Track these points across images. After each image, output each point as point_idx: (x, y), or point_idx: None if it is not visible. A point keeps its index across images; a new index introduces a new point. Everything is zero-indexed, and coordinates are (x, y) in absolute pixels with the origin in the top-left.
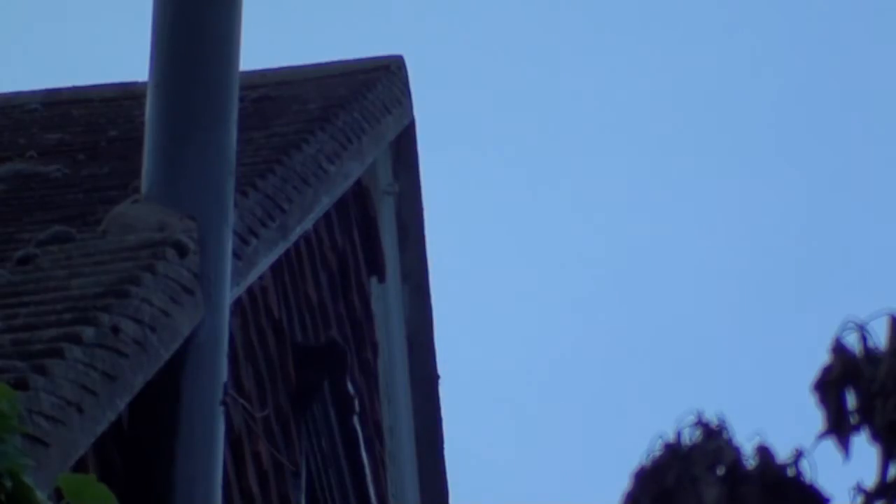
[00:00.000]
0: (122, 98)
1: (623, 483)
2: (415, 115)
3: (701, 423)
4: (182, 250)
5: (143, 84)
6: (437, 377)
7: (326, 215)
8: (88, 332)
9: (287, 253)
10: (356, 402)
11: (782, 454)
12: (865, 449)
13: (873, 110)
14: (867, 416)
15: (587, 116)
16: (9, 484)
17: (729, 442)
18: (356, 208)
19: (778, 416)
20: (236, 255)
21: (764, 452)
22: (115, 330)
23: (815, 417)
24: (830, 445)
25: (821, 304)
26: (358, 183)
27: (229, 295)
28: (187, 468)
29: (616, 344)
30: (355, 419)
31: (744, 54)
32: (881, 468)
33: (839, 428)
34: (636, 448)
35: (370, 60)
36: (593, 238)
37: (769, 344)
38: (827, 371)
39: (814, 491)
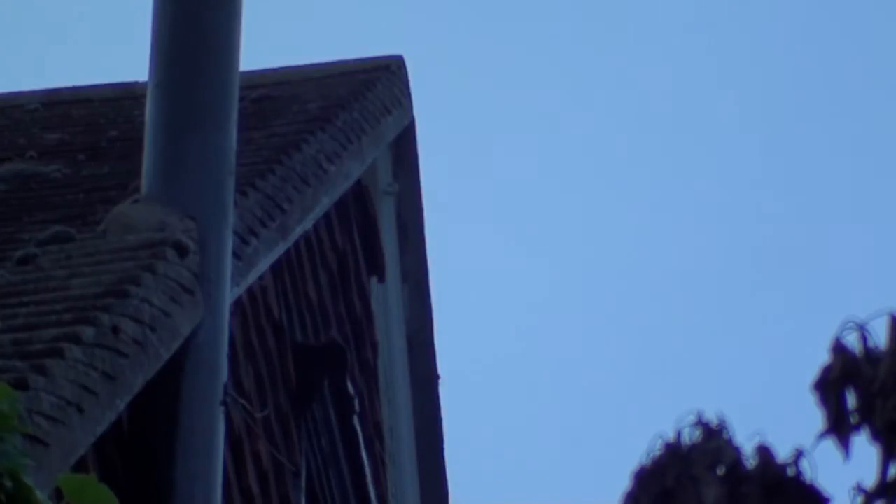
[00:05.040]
0: (122, 98)
1: (623, 483)
2: (415, 115)
3: (701, 423)
4: (182, 250)
5: (143, 84)
6: (437, 377)
7: (326, 215)
8: (88, 332)
9: (287, 253)
10: (356, 402)
11: (782, 454)
12: (865, 449)
13: (874, 108)
14: (867, 415)
15: (587, 117)
16: (9, 484)
17: (729, 442)
18: (356, 208)
19: (778, 416)
20: (236, 255)
21: (764, 452)
22: (115, 330)
23: (815, 417)
24: (830, 445)
25: (821, 304)
26: (358, 183)
27: (229, 295)
28: (187, 468)
29: (616, 343)
30: (355, 419)
31: (742, 50)
32: (881, 468)
33: (839, 428)
34: (636, 448)
35: (370, 60)
36: (594, 237)
37: (769, 344)
38: (827, 371)
39: (814, 491)
